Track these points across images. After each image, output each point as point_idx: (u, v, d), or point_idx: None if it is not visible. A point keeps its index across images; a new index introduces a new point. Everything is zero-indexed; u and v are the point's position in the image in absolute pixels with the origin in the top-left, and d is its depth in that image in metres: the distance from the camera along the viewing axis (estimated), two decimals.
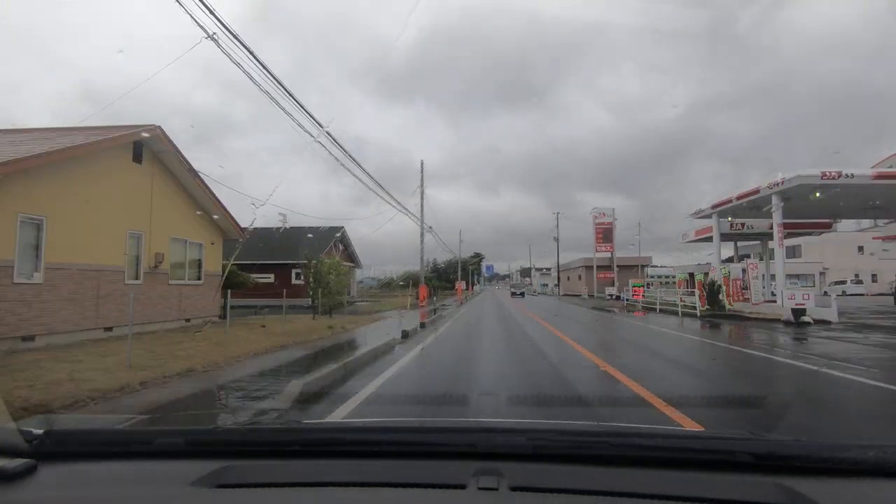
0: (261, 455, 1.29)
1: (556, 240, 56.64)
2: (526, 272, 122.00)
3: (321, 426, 1.93)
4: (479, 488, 1.07)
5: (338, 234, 31.09)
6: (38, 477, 1.14)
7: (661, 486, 1.07)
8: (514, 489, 1.08)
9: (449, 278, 62.44)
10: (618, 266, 44.27)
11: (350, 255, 34.46)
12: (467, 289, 64.97)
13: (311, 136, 11.66)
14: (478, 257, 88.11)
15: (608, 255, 45.12)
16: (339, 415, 4.52)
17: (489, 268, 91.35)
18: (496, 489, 1.07)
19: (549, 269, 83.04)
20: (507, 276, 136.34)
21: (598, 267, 44.68)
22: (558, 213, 57.00)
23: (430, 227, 26.91)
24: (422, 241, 28.71)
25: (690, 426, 4.02)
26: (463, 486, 1.08)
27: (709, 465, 1.16)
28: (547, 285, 76.23)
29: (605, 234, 45.19)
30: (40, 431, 1.25)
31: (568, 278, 58.82)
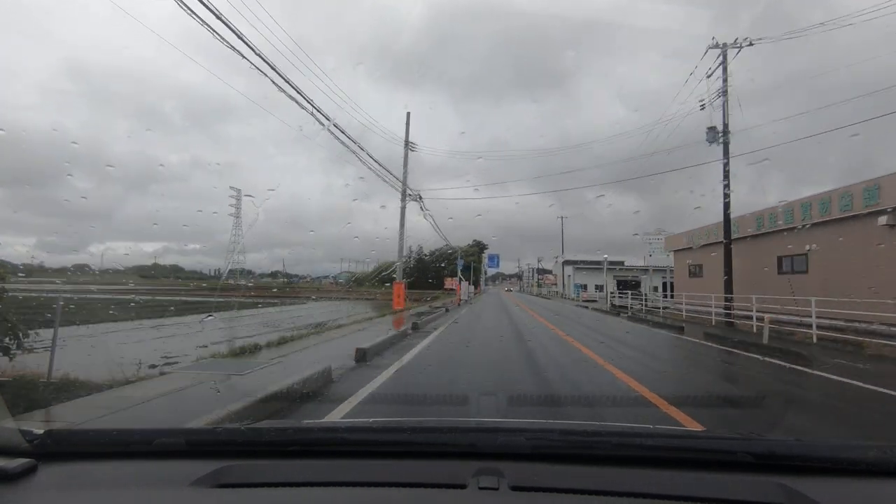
0: (261, 455, 1.29)
1: None
2: (542, 271, 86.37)
3: (321, 426, 1.91)
4: (480, 488, 1.07)
5: None
6: (38, 477, 1.14)
7: (661, 486, 1.07)
8: (514, 489, 1.08)
9: (440, 274, 43.36)
10: None
11: None
12: (455, 291, 34.56)
13: None
14: (478, 247, 55.50)
15: None
16: None
17: (492, 258, 56.72)
18: (496, 489, 1.07)
19: (616, 265, 45.95)
20: (516, 275, 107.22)
21: None
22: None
23: None
24: None
25: None
26: (463, 486, 1.08)
27: (710, 465, 1.16)
28: (601, 288, 39.56)
29: None
30: (40, 431, 1.25)
31: (726, 271, 13.71)
